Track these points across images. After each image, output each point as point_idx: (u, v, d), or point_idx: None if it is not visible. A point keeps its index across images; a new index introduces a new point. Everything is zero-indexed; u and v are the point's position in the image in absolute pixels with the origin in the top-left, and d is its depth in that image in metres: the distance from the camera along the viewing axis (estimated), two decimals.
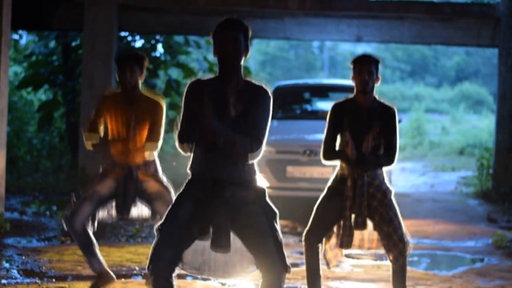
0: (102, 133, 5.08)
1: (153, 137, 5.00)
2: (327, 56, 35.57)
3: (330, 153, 4.69)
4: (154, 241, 3.54)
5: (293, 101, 11.39)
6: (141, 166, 5.01)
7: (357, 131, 4.63)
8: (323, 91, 11.74)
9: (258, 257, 3.53)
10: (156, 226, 3.57)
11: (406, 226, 4.72)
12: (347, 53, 36.57)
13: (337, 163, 4.75)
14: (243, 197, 3.54)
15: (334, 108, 4.72)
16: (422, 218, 9.72)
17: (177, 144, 3.55)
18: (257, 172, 3.65)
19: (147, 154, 5.01)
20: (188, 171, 3.61)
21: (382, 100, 4.71)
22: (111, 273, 5.08)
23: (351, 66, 4.67)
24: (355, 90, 4.69)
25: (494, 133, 11.68)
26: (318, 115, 10.51)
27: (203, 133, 3.43)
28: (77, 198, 4.97)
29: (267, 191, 3.63)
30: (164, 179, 5.07)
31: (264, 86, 3.59)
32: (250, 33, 3.57)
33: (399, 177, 14.89)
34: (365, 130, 4.62)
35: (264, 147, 3.57)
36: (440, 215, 10.15)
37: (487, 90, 33.32)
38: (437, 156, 20.17)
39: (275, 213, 3.60)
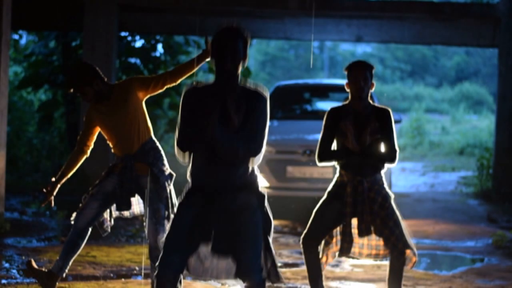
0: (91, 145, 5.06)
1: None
2: (327, 56, 35.52)
3: (326, 154, 4.67)
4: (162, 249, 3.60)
5: (293, 101, 11.39)
6: (138, 155, 4.82)
7: (354, 133, 4.63)
8: (323, 91, 11.75)
9: (238, 263, 3.55)
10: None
11: (406, 226, 4.72)
12: (347, 53, 36.54)
13: (333, 163, 4.73)
14: (243, 202, 3.56)
15: (330, 113, 4.73)
16: (422, 218, 9.72)
17: (176, 152, 3.56)
18: (258, 175, 3.65)
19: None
20: (188, 179, 3.63)
21: (376, 104, 4.73)
22: (57, 284, 4.99)
23: (345, 73, 4.68)
24: (350, 96, 4.70)
25: (494, 133, 11.67)
26: (318, 115, 10.50)
27: (205, 141, 3.45)
28: (86, 195, 4.95)
29: (266, 195, 3.64)
30: (164, 170, 4.87)
31: (259, 90, 3.58)
32: (249, 41, 3.57)
33: (399, 177, 14.88)
34: (362, 129, 4.62)
35: (263, 150, 3.58)
36: (440, 215, 10.15)
37: (487, 90, 33.25)
38: (437, 156, 20.15)
39: (270, 222, 3.62)
